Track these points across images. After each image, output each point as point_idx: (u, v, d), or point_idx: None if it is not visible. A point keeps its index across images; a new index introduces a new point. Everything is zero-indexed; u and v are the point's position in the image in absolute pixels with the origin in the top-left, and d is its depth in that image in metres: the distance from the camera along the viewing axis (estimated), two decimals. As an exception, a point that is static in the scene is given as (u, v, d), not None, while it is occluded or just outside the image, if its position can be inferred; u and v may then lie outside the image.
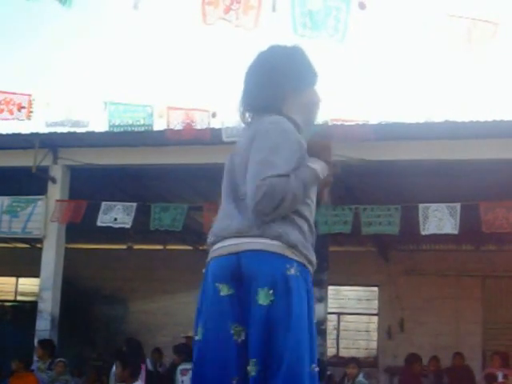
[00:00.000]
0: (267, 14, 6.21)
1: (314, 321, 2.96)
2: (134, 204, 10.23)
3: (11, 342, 12.21)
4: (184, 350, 10.26)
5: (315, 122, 3.24)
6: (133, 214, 10.16)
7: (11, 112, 9.21)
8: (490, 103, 28.59)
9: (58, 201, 10.57)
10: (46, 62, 32.17)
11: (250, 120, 3.15)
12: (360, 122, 9.41)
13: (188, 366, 9.55)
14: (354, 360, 10.56)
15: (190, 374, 9.39)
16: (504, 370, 11.55)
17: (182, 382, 9.29)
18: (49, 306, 10.46)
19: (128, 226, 10.24)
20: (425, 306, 15.55)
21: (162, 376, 11.30)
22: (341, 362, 13.48)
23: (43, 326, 10.39)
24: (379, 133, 9.39)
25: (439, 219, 9.16)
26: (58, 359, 9.76)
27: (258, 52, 3.22)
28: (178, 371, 9.61)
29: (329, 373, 10.75)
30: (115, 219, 10.17)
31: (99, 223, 10.26)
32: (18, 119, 9.32)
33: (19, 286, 18.07)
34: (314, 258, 3.02)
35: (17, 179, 10.75)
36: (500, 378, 11.28)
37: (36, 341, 10.17)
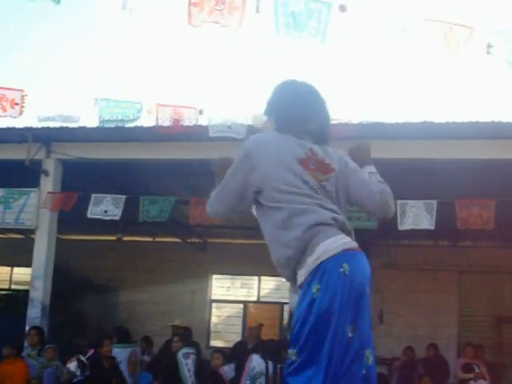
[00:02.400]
0: (251, 15, 6.20)
1: None
2: (124, 196, 10.20)
3: (5, 330, 12.15)
4: (187, 337, 10.33)
5: None
6: (122, 206, 10.12)
7: (4, 109, 9.15)
8: (467, 105, 28.73)
9: (49, 193, 10.53)
10: (39, 59, 32.02)
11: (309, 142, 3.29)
12: (342, 122, 9.39)
13: (189, 350, 9.58)
14: None
15: (191, 357, 9.40)
16: (475, 360, 11.59)
17: (187, 364, 9.32)
18: (40, 295, 10.42)
19: (117, 218, 10.20)
20: (403, 298, 15.57)
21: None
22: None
23: (34, 313, 10.35)
24: (360, 132, 9.38)
25: (416, 215, 9.17)
26: (48, 345, 9.72)
27: (312, 84, 3.47)
28: (181, 355, 9.61)
29: None
30: (105, 211, 10.13)
31: (89, 215, 10.22)
32: (11, 116, 9.25)
33: (14, 275, 18.01)
34: None
35: (10, 172, 10.69)
36: (477, 369, 11.31)
37: (28, 328, 10.13)
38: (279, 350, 9.10)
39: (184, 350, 9.58)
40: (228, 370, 9.50)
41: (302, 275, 3.05)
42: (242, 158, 3.20)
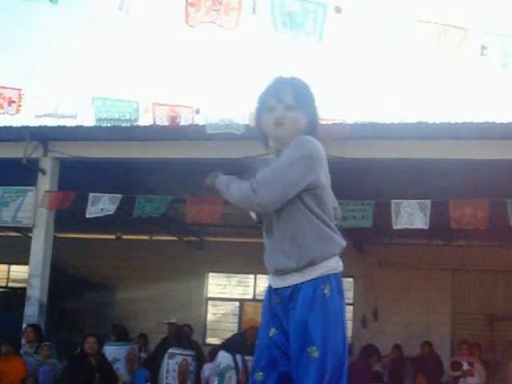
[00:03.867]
0: (247, 16, 6.18)
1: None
2: (120, 195, 10.17)
3: (2, 327, 12.13)
4: (179, 336, 10.24)
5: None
6: (118, 202, 10.09)
7: (1, 106, 9.12)
8: (461, 106, 28.79)
9: (47, 191, 10.49)
10: (36, 58, 31.96)
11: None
12: (337, 121, 9.39)
13: (176, 350, 9.47)
14: None
15: (177, 357, 9.28)
16: (470, 358, 11.59)
17: (168, 364, 9.24)
18: (37, 293, 10.37)
19: (111, 212, 10.12)
20: (397, 296, 15.60)
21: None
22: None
23: (31, 311, 10.31)
24: (355, 132, 9.39)
25: (410, 214, 9.16)
26: (44, 343, 9.68)
27: None
28: (166, 355, 9.54)
29: None
30: (101, 209, 10.10)
31: (88, 215, 10.17)
32: (8, 113, 9.22)
33: (11, 273, 17.97)
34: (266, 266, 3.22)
35: (7, 170, 10.65)
36: (465, 366, 11.31)
37: (25, 325, 10.10)
38: (245, 343, 9.06)
39: (170, 350, 9.49)
40: (206, 369, 9.40)
41: None
42: (305, 156, 3.03)
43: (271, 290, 3.18)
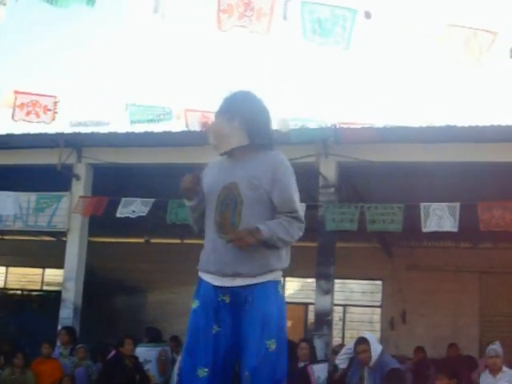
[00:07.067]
0: (279, 22, 6.18)
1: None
2: (152, 200, 10.18)
3: (37, 330, 12.22)
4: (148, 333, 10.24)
5: None
6: (150, 206, 10.09)
7: (37, 115, 9.21)
8: (489, 109, 28.49)
9: (81, 197, 10.56)
10: (70, 65, 32.21)
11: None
12: (366, 126, 9.35)
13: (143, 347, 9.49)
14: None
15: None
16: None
17: (148, 370, 9.29)
18: (72, 296, 10.46)
19: (144, 214, 10.10)
20: (425, 299, 15.46)
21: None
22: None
23: (66, 314, 10.40)
24: (384, 136, 9.34)
25: (439, 217, 9.07)
26: (79, 345, 9.73)
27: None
28: None
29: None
30: (133, 211, 10.11)
31: (118, 215, 10.16)
32: (45, 122, 9.31)
33: (45, 277, 18.12)
34: (207, 266, 3.41)
35: (43, 176, 10.74)
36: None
37: (59, 327, 10.16)
38: None
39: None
40: None
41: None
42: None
43: (213, 288, 3.33)
